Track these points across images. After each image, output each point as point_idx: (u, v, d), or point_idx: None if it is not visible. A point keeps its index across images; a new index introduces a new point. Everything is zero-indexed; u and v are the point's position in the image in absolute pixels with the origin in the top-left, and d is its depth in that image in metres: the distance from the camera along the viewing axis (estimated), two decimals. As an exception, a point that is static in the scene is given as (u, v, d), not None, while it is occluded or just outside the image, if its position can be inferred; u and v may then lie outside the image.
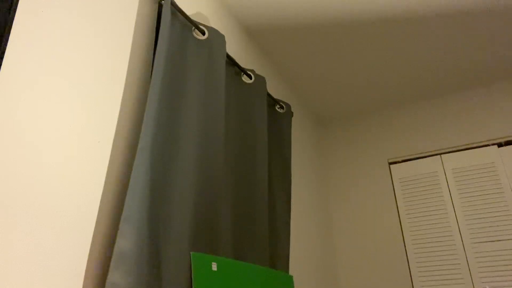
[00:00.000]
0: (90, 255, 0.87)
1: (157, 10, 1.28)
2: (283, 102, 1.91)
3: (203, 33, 1.37)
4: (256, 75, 1.68)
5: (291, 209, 1.96)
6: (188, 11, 1.43)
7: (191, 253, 1.05)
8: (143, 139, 0.99)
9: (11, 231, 0.74)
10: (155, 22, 1.26)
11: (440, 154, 2.41)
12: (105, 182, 0.96)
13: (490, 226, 2.12)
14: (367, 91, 2.43)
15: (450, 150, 2.39)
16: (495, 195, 2.16)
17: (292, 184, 1.97)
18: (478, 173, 2.25)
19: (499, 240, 2.08)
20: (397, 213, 2.39)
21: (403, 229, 2.34)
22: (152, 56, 1.20)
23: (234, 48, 1.74)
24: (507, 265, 2.02)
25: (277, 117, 1.87)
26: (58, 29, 0.92)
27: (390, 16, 1.82)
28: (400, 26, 1.88)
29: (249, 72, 1.65)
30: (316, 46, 2.01)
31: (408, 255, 2.28)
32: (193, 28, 1.35)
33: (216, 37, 1.41)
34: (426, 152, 2.45)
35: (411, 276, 2.23)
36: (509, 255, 2.04)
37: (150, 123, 1.02)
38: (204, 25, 1.38)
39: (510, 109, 2.30)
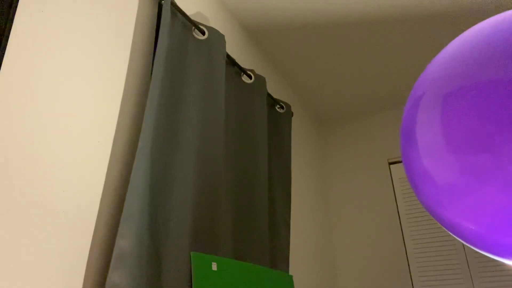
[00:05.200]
0: (90, 255, 0.87)
1: (157, 10, 1.28)
2: (283, 102, 1.91)
3: (203, 33, 1.37)
4: (256, 75, 1.68)
5: (291, 209, 1.96)
6: (188, 11, 1.43)
7: (191, 253, 1.05)
8: (143, 139, 0.99)
9: (11, 231, 0.74)
10: (155, 22, 1.26)
11: (440, 154, 2.41)
12: (105, 182, 0.96)
13: (490, 226, 2.12)
14: (367, 91, 2.43)
15: (450, 150, 2.38)
16: (495, 195, 2.16)
17: (292, 184, 1.97)
18: (478, 173, 2.24)
19: (499, 240, 2.08)
20: (397, 213, 2.39)
21: (403, 229, 2.34)
22: (152, 56, 1.20)
23: (234, 48, 1.74)
24: (507, 265, 2.02)
25: (277, 117, 1.86)
26: (58, 29, 0.92)
27: (390, 16, 1.82)
28: (399, 26, 1.88)
29: (249, 72, 1.65)
30: (316, 46, 2.01)
31: (408, 255, 2.28)
32: (193, 28, 1.35)
33: (216, 37, 1.41)
34: (426, 152, 2.44)
35: (411, 276, 2.23)
36: (509, 255, 2.03)
37: (150, 123, 1.02)
38: (204, 25, 1.38)
39: None
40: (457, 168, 0.63)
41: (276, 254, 1.56)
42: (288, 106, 1.93)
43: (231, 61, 1.56)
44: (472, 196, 0.62)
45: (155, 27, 1.25)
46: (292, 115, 1.95)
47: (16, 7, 0.82)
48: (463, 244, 2.15)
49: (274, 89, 2.09)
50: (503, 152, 0.57)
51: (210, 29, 1.40)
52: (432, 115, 0.69)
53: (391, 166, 2.52)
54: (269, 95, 1.80)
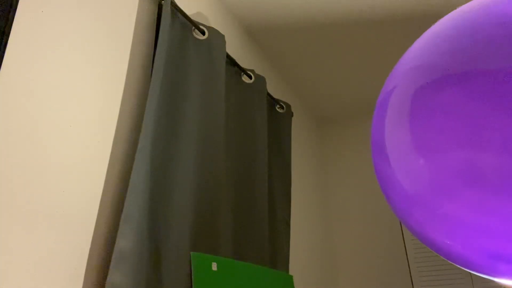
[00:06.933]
0: (90, 255, 0.87)
1: (157, 10, 1.28)
2: (283, 102, 1.91)
3: (203, 33, 1.37)
4: (256, 75, 1.68)
5: (291, 209, 1.96)
6: (188, 11, 1.43)
7: (191, 253, 1.05)
8: (143, 139, 0.99)
9: (11, 231, 0.74)
10: (155, 22, 1.26)
11: (440, 154, 2.40)
12: (105, 182, 0.96)
13: (490, 226, 2.12)
14: (368, 91, 2.43)
15: (450, 150, 2.38)
16: (495, 195, 2.15)
17: (292, 184, 1.97)
18: (478, 173, 2.24)
19: (499, 240, 2.08)
20: (397, 213, 2.39)
21: (403, 229, 2.34)
22: (152, 56, 1.20)
23: (234, 48, 1.74)
24: (507, 265, 2.02)
25: (277, 117, 1.86)
26: (58, 29, 0.92)
27: (390, 16, 1.82)
28: (399, 26, 1.88)
29: (249, 72, 1.65)
30: (316, 46, 2.01)
31: (408, 255, 2.27)
32: (193, 28, 1.35)
33: (216, 37, 1.41)
34: (426, 152, 2.44)
35: (411, 276, 2.23)
36: (509, 255, 2.03)
37: (150, 123, 1.02)
38: (204, 25, 1.38)
39: None
40: (425, 174, 0.56)
41: (276, 254, 1.56)
42: (288, 106, 1.93)
43: (231, 61, 1.56)
44: (440, 203, 0.56)
45: (155, 27, 1.25)
46: (292, 115, 1.94)
47: (16, 7, 0.82)
48: (463, 244, 2.15)
49: (274, 89, 2.09)
50: (478, 155, 0.51)
51: (210, 29, 1.40)
52: (400, 113, 0.60)
53: (391, 166, 2.52)
54: (269, 95, 1.80)
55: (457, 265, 0.62)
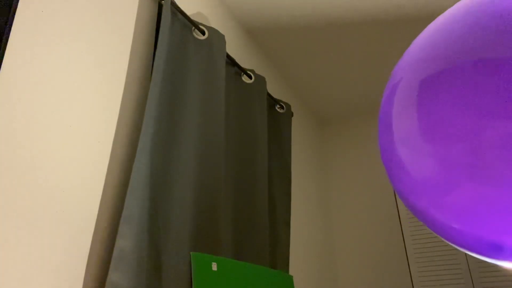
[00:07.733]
0: (90, 255, 0.87)
1: (157, 10, 1.28)
2: (283, 102, 1.91)
3: (203, 33, 1.37)
4: (256, 75, 1.68)
5: (291, 209, 1.96)
6: (188, 11, 1.43)
7: (191, 253, 1.05)
8: (143, 139, 0.99)
9: (11, 231, 0.74)
10: (155, 22, 1.26)
11: (440, 154, 2.40)
12: (105, 182, 0.96)
13: (490, 226, 2.11)
14: (368, 90, 2.43)
15: (450, 150, 2.38)
16: (495, 195, 2.15)
17: (292, 184, 1.97)
18: (478, 173, 2.24)
19: (499, 240, 2.07)
20: (397, 213, 2.39)
21: (403, 229, 2.34)
22: (152, 56, 1.20)
23: (234, 48, 1.74)
24: (507, 265, 2.02)
25: (277, 117, 1.86)
26: (58, 29, 0.92)
27: (391, 16, 1.82)
28: (401, 26, 1.88)
29: (249, 72, 1.65)
30: (316, 46, 2.01)
31: (408, 255, 2.28)
32: (193, 28, 1.35)
33: (216, 37, 1.41)
34: (426, 152, 2.44)
35: (411, 276, 2.23)
36: (509, 255, 2.03)
37: (150, 123, 1.02)
38: (204, 25, 1.38)
39: None
40: (432, 160, 0.59)
41: (276, 254, 1.56)
42: (288, 106, 1.93)
43: (231, 61, 1.56)
44: (447, 190, 0.58)
45: (155, 27, 1.25)
46: (292, 115, 1.95)
47: (16, 7, 0.82)
48: (463, 244, 2.15)
49: (274, 89, 2.09)
50: (483, 145, 0.52)
51: (210, 29, 1.40)
52: (408, 103, 0.63)
53: (391, 166, 2.52)
54: (269, 95, 1.80)
55: (461, 250, 0.64)
